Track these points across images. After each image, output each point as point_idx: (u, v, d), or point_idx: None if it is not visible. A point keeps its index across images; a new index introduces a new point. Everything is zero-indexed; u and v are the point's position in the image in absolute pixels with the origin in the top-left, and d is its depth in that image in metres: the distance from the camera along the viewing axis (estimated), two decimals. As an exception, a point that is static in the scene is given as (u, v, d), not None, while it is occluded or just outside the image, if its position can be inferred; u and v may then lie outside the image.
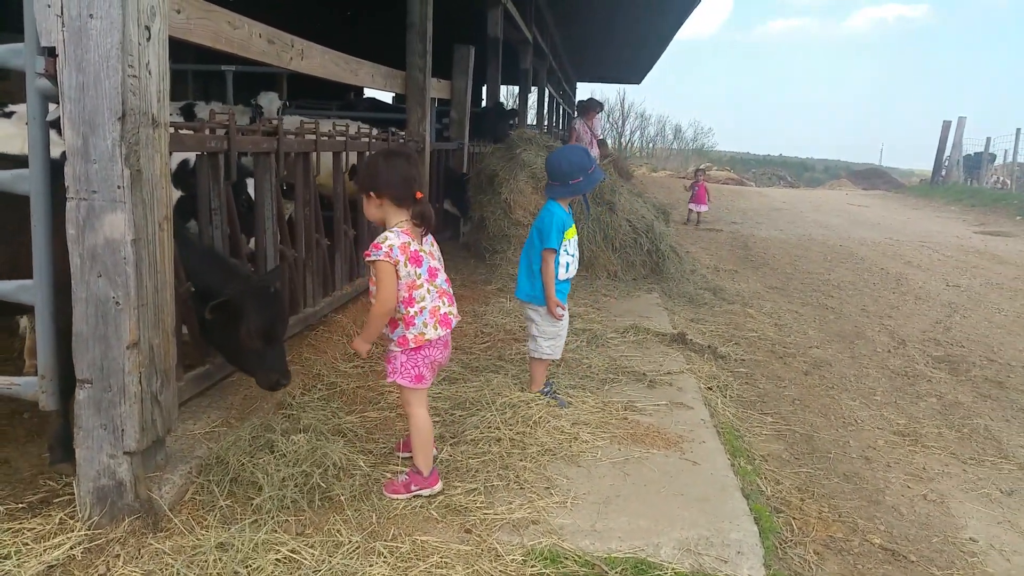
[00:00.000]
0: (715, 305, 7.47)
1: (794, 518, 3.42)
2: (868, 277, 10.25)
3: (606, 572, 2.66)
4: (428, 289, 3.07)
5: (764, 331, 6.74)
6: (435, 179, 7.72)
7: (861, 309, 8.17)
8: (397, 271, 2.97)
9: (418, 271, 3.03)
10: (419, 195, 3.03)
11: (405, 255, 2.98)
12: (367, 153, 5.85)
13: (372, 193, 3.03)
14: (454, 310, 3.22)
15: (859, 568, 3.11)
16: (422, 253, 3.05)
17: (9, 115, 4.95)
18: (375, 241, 2.97)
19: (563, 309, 4.15)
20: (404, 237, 2.99)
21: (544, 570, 2.65)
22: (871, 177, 43.34)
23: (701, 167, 17.61)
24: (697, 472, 3.51)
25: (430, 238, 3.16)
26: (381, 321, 3.04)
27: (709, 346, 5.70)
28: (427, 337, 3.07)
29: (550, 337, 4.18)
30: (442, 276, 3.17)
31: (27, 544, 2.59)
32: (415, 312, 3.05)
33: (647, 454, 3.64)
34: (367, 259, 2.99)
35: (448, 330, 3.17)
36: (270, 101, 8.18)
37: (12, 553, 2.54)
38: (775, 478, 3.80)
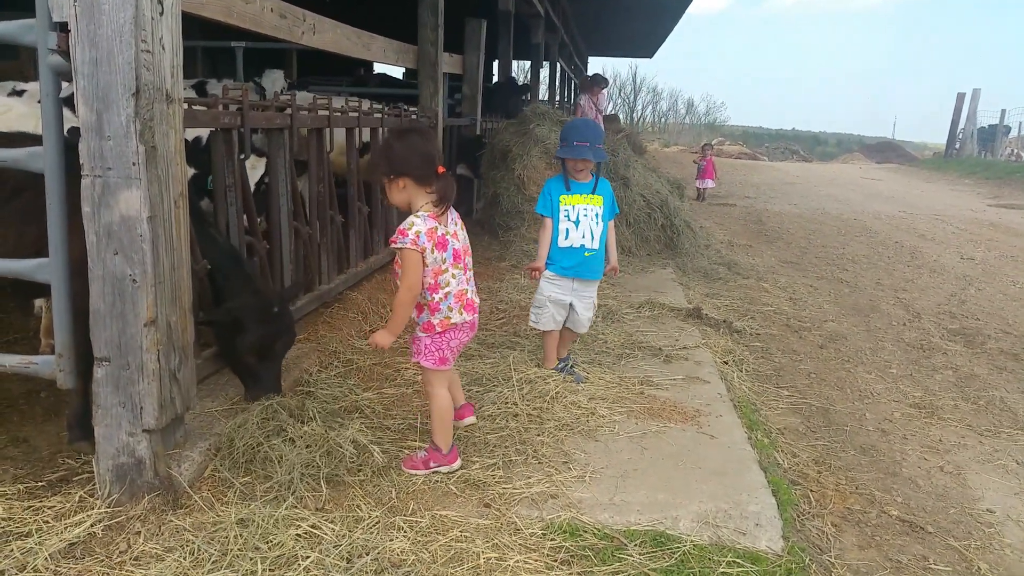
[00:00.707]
0: (730, 280, 7.43)
1: (811, 490, 3.42)
2: (882, 250, 10.17)
3: (625, 545, 2.66)
4: (453, 274, 3.01)
5: (779, 305, 6.71)
6: (448, 155, 7.68)
7: (876, 282, 8.11)
8: (424, 259, 2.90)
9: (443, 256, 2.96)
10: (440, 170, 2.94)
11: (432, 241, 2.89)
12: (380, 129, 5.82)
13: (393, 176, 2.91)
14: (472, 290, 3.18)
15: (877, 539, 3.11)
16: (447, 236, 2.97)
17: (20, 93, 4.95)
18: (401, 227, 2.89)
19: (539, 272, 4.16)
20: (431, 222, 2.90)
21: (563, 543, 2.66)
22: (884, 150, 42.94)
23: (709, 142, 17.39)
24: (714, 445, 3.50)
25: (454, 215, 3.08)
26: (408, 310, 2.98)
27: (724, 320, 5.67)
28: (452, 321, 3.03)
29: (536, 305, 4.20)
30: (468, 257, 3.13)
31: (47, 522, 2.61)
32: (440, 298, 3.00)
33: (664, 428, 3.64)
34: (393, 246, 2.92)
35: (474, 315, 3.13)
36: (273, 81, 7.94)
37: (33, 531, 2.56)
38: (792, 451, 3.80)
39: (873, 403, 4.66)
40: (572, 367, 4.24)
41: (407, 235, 2.85)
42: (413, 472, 3.09)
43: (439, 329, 3.03)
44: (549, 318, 4.15)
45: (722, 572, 2.56)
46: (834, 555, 2.92)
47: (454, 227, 3.04)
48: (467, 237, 3.15)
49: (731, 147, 39.72)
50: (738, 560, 2.62)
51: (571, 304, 4.17)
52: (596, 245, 4.10)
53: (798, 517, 3.11)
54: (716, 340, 5.16)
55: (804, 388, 4.79)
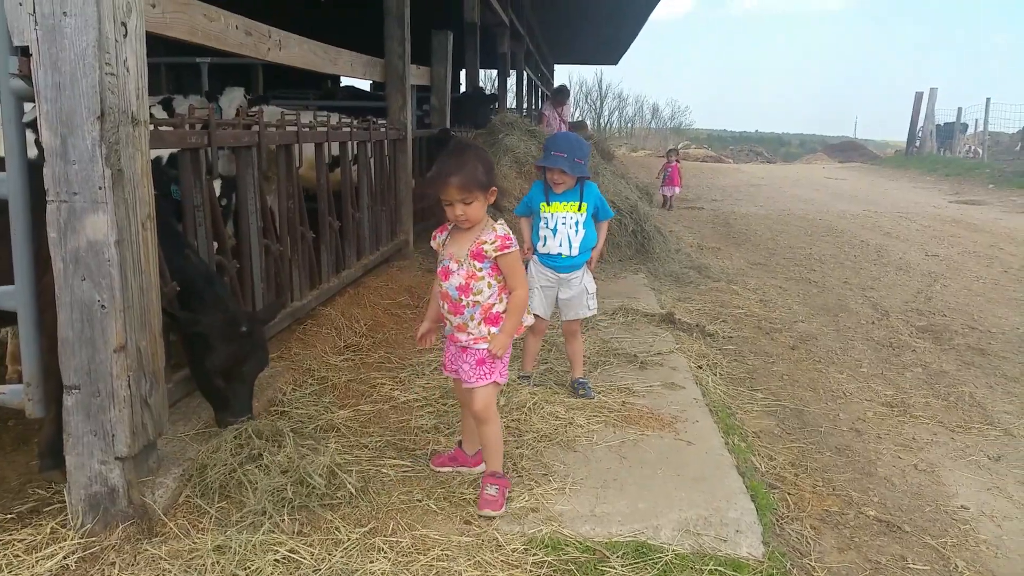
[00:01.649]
0: (701, 283, 7.49)
1: (789, 494, 3.45)
2: (849, 250, 10.32)
3: (607, 557, 2.66)
4: None
5: (750, 307, 6.77)
6: (418, 167, 7.66)
7: (843, 282, 8.23)
8: None
9: None
10: None
11: None
12: (350, 144, 5.79)
13: (493, 188, 2.89)
14: None
15: (855, 540, 3.14)
16: None
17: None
18: (499, 234, 2.88)
19: (529, 253, 4.21)
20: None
21: (546, 558, 2.65)
22: (847, 150, 43.56)
23: (675, 147, 16.97)
24: (692, 452, 3.52)
25: None
26: (523, 313, 2.99)
27: (697, 325, 5.71)
28: (526, 323, 3.09)
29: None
30: None
31: (18, 556, 2.54)
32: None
33: (642, 436, 3.65)
34: (502, 252, 2.87)
35: None
36: (231, 100, 7.59)
37: (3, 566, 2.49)
38: (768, 454, 3.83)
39: (846, 403, 4.72)
40: (588, 385, 4.21)
41: (511, 238, 2.89)
42: (495, 513, 2.90)
43: (519, 335, 3.07)
44: (539, 302, 4.19)
45: (704, 580, 2.57)
46: (814, 558, 2.95)
47: None
48: None
49: (697, 150, 40.09)
50: (720, 568, 2.63)
51: (558, 295, 4.22)
52: (575, 252, 4.13)
53: (777, 521, 3.13)
54: (690, 345, 5.19)
55: (778, 390, 4.84)
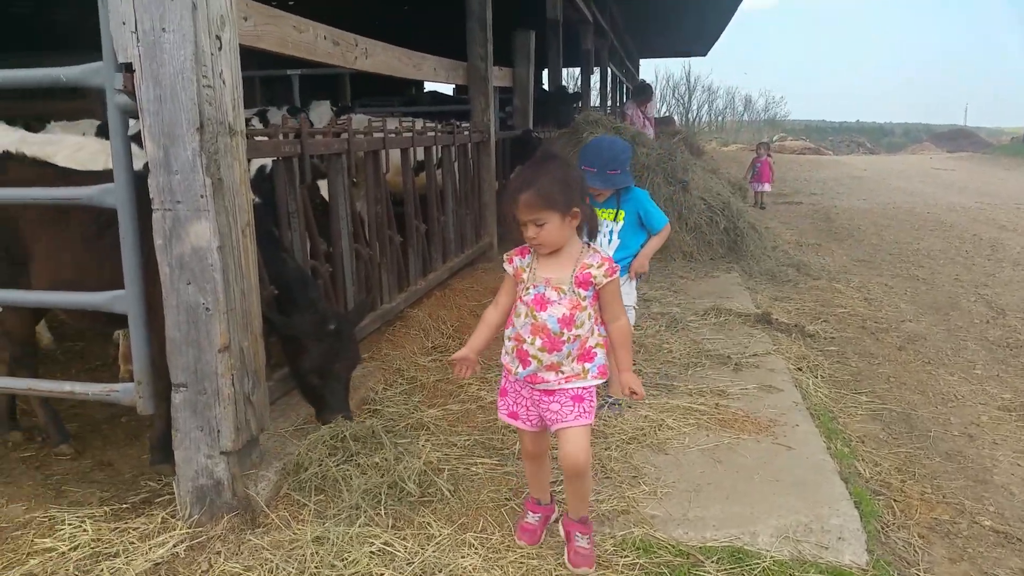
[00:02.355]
0: (800, 282, 7.23)
1: (896, 500, 3.28)
2: (960, 244, 9.79)
3: (702, 562, 2.60)
4: None
5: (853, 306, 6.50)
6: (501, 169, 7.70)
7: (954, 278, 7.81)
8: None
9: None
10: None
11: None
12: (435, 148, 5.87)
13: (576, 209, 2.45)
14: None
15: (969, 552, 2.96)
16: None
17: (100, 131, 5.14)
18: (605, 257, 2.52)
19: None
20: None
21: (637, 560, 2.61)
22: (956, 138, 41.42)
23: (766, 140, 15.77)
24: (792, 456, 3.40)
25: None
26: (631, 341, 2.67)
27: (796, 325, 5.52)
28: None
29: None
30: None
31: (133, 543, 2.69)
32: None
33: (738, 440, 3.55)
34: (611, 279, 2.50)
35: None
36: (320, 115, 7.64)
37: (120, 552, 2.65)
38: (873, 460, 3.65)
39: (958, 406, 4.47)
40: (615, 402, 3.96)
41: (616, 263, 2.55)
42: (590, 571, 2.57)
43: (604, 379, 2.60)
44: None
45: (804, 588, 2.48)
46: (923, 569, 2.80)
47: None
48: None
49: (794, 142, 38.84)
50: (821, 575, 2.53)
51: None
52: (620, 252, 3.90)
53: (882, 529, 2.99)
54: (788, 346, 5.02)
55: (884, 393, 4.62)
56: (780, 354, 4.78)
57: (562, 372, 2.50)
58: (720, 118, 57.30)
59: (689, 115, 51.44)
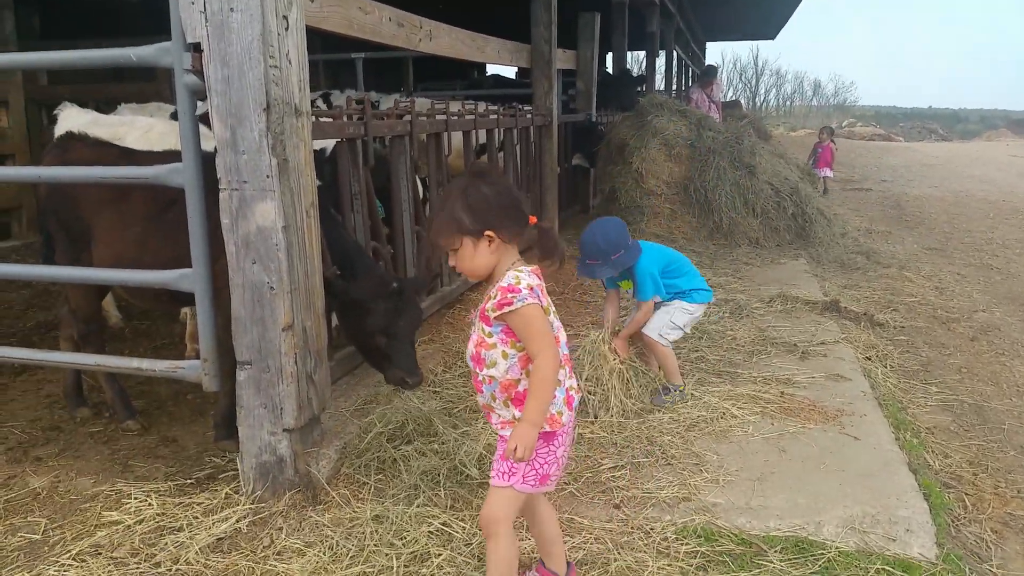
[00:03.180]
0: (869, 269, 7.02)
1: (967, 494, 3.17)
2: (1037, 234, 9.37)
3: (765, 551, 2.54)
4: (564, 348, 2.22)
5: (924, 295, 6.28)
6: (563, 149, 7.64)
7: (1031, 268, 7.48)
8: None
9: (556, 323, 2.19)
10: (533, 220, 2.18)
11: (547, 300, 2.16)
12: (497, 131, 5.86)
13: (489, 232, 2.09)
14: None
15: (1045, 549, 2.83)
16: (550, 307, 2.19)
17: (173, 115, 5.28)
18: (502, 285, 2.09)
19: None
20: (536, 278, 2.14)
21: (698, 548, 2.57)
22: (1036, 125, 39.53)
23: (829, 125, 14.90)
24: (859, 447, 3.30)
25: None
26: (553, 387, 2.12)
27: (865, 313, 5.36)
28: (563, 420, 2.18)
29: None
30: (563, 336, 2.23)
31: (197, 518, 2.77)
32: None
33: (803, 429, 3.46)
34: (502, 311, 2.07)
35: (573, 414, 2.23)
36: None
37: (184, 526, 2.72)
38: (943, 451, 3.53)
39: (1034, 399, 4.28)
40: (666, 392, 3.88)
41: (519, 290, 2.06)
42: None
43: (549, 428, 2.15)
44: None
45: (872, 581, 2.40)
46: (995, 564, 2.70)
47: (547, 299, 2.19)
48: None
49: (863, 128, 37.68)
50: (888, 567, 2.46)
51: None
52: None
53: (953, 522, 2.89)
54: (857, 334, 4.87)
55: (955, 384, 4.45)
56: (848, 343, 4.65)
57: (498, 415, 2.20)
58: (788, 103, 56.02)
59: (756, 99, 50.37)
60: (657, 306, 3.87)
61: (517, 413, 2.13)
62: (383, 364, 3.41)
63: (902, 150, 26.03)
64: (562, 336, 2.19)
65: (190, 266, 2.81)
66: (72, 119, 4.67)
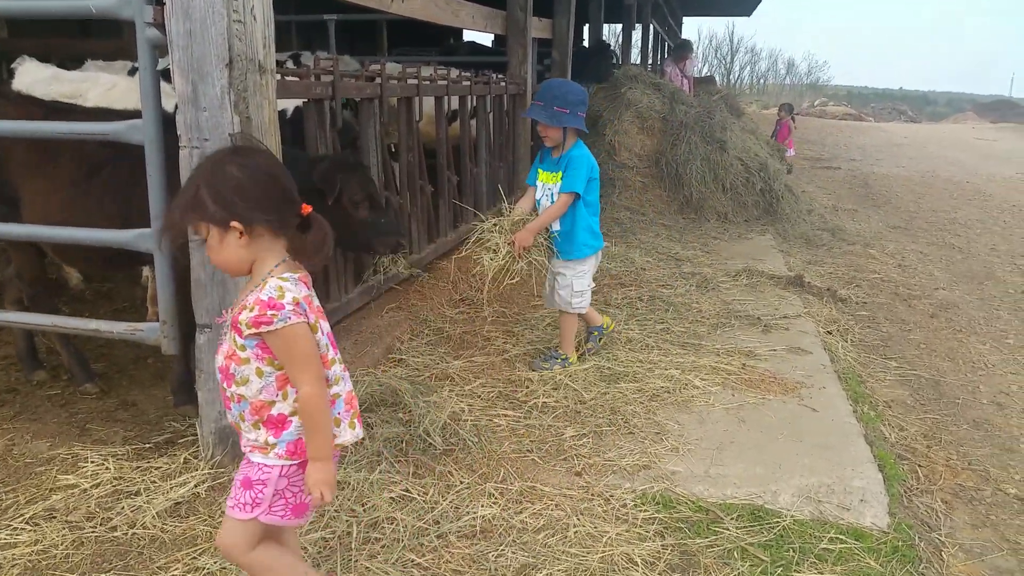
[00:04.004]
0: (834, 246, 7.11)
1: (920, 466, 3.25)
2: (998, 215, 9.54)
3: (722, 518, 2.58)
4: (337, 360, 1.89)
5: (887, 272, 6.38)
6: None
7: (991, 248, 7.61)
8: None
9: (323, 340, 1.85)
10: (306, 209, 1.81)
11: (315, 314, 1.82)
12: (469, 98, 5.79)
13: (235, 223, 1.72)
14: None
15: (991, 518, 2.92)
16: (319, 311, 1.87)
17: (133, 72, 5.13)
18: (261, 298, 1.73)
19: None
20: (303, 288, 1.81)
21: (656, 514, 2.60)
22: (1000, 109, 40.20)
23: (788, 103, 14.26)
24: (817, 418, 3.35)
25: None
26: (328, 413, 1.84)
27: (828, 289, 5.43)
28: (342, 440, 1.88)
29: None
30: (331, 352, 1.89)
31: (155, 482, 2.74)
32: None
33: (763, 400, 3.51)
34: (254, 331, 1.74)
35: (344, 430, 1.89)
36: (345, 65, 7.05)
37: (142, 490, 2.69)
38: (899, 424, 3.61)
39: (988, 375, 4.37)
40: (547, 359, 3.88)
41: (283, 306, 1.72)
42: None
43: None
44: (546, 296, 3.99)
45: (824, 548, 2.46)
46: (944, 533, 2.77)
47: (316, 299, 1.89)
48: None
49: (835, 108, 37.92)
50: (841, 536, 2.52)
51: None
52: (558, 226, 3.71)
53: (905, 493, 2.96)
54: (819, 309, 4.94)
55: (913, 359, 4.54)
56: (811, 317, 4.71)
57: (246, 438, 1.87)
58: (762, 81, 56.17)
59: (731, 76, 50.42)
60: (553, 277, 3.81)
61: (270, 438, 1.82)
62: (371, 239, 3.38)
63: (872, 130, 26.26)
64: (329, 353, 1.85)
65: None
66: (30, 73, 4.53)
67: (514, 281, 3.59)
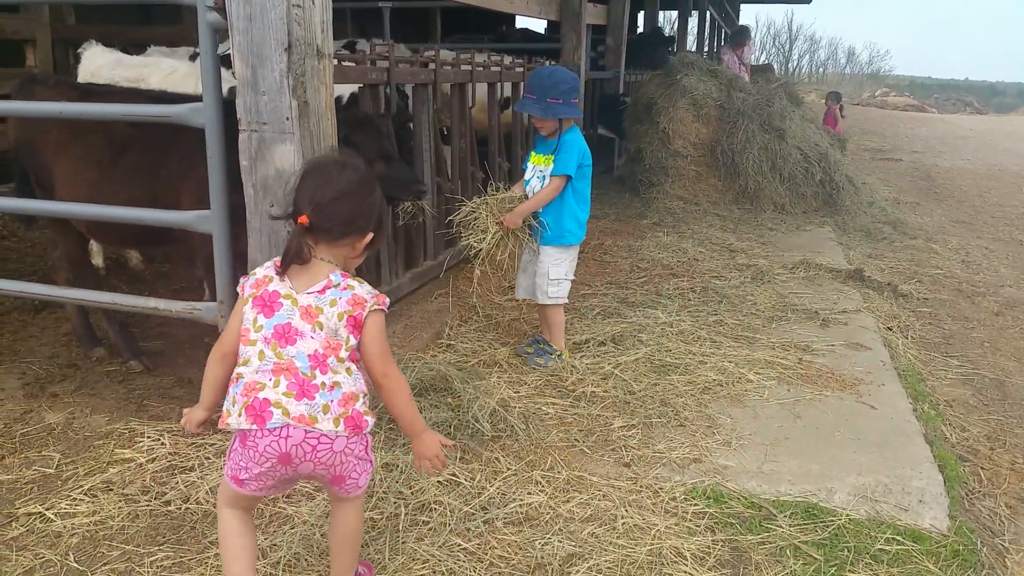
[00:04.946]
0: (895, 240, 6.90)
1: (983, 468, 3.14)
2: (1070, 210, 9.15)
3: (774, 515, 2.53)
4: (259, 353, 1.89)
5: (950, 268, 6.17)
6: (589, 108, 7.51)
7: (1061, 245, 7.31)
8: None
9: (259, 321, 1.91)
10: (302, 219, 1.94)
11: (256, 290, 1.94)
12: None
13: (373, 232, 2.02)
14: (302, 408, 1.85)
15: (1059, 525, 2.80)
16: (283, 301, 1.92)
17: (195, 58, 5.23)
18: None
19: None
20: (269, 270, 1.97)
21: (707, 509, 2.56)
22: (1077, 99, 38.41)
23: (836, 91, 13.51)
24: (875, 416, 3.26)
25: (331, 293, 1.94)
26: (207, 377, 2.04)
27: (889, 283, 5.28)
28: (229, 422, 1.88)
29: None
30: (306, 346, 1.89)
31: (208, 459, 2.80)
32: (233, 376, 1.95)
33: (820, 396, 3.43)
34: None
35: (259, 428, 1.84)
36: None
37: (196, 466, 2.75)
38: (961, 425, 3.49)
39: (1056, 377, 4.20)
40: (530, 347, 3.84)
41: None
42: None
43: (220, 425, 1.93)
44: (519, 284, 3.89)
45: (880, 549, 2.40)
46: (1008, 539, 2.67)
47: (314, 300, 1.93)
48: (337, 326, 1.93)
49: (896, 98, 36.81)
50: (898, 537, 2.45)
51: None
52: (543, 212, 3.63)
53: (967, 496, 2.86)
54: (879, 304, 4.80)
55: (976, 358, 4.38)
56: (870, 312, 4.59)
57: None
58: (821, 70, 54.87)
59: (789, 65, 49.36)
60: (528, 266, 3.75)
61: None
62: (392, 189, 3.30)
63: (935, 121, 25.45)
64: (251, 334, 1.91)
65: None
66: (96, 58, 4.64)
67: (503, 260, 3.55)
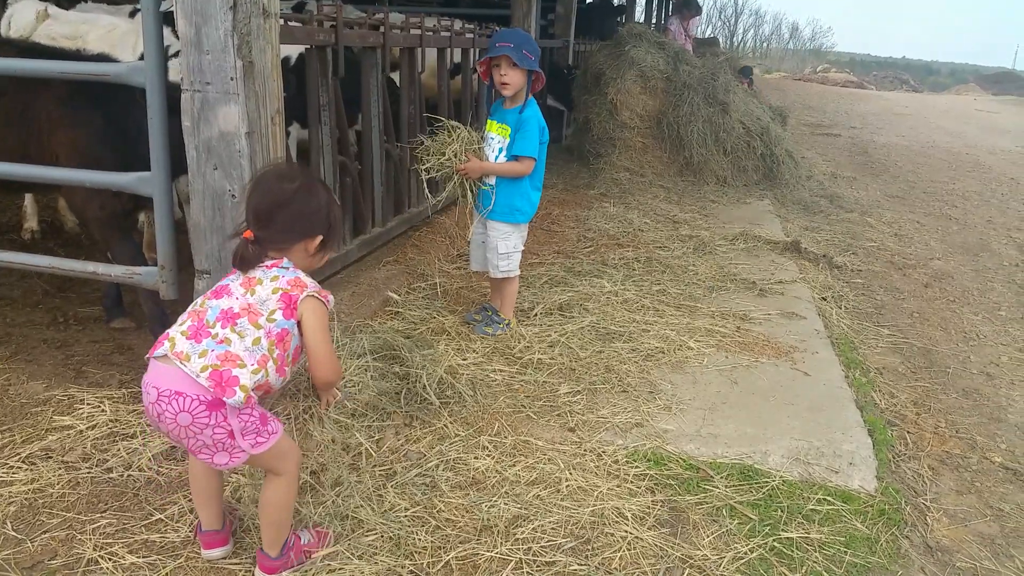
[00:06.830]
0: (832, 213, 7.11)
1: (909, 432, 3.29)
2: (996, 187, 9.52)
3: (711, 476, 2.62)
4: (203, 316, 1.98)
5: (883, 241, 6.39)
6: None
7: (987, 220, 7.62)
8: None
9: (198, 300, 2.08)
10: (247, 234, 2.06)
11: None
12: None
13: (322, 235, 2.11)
14: (185, 346, 1.90)
15: (976, 485, 2.97)
16: (229, 284, 2.06)
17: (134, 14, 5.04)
18: None
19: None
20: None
21: (647, 471, 2.64)
22: (1003, 82, 39.89)
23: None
24: (809, 382, 3.39)
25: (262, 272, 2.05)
26: None
27: (824, 255, 5.45)
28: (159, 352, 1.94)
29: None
30: (226, 303, 1.98)
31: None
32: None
33: (756, 363, 3.54)
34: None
35: (151, 356, 1.95)
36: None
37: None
38: (890, 391, 3.65)
39: (979, 346, 4.41)
40: (478, 315, 3.87)
41: None
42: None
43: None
44: (473, 258, 3.89)
45: (811, 509, 2.51)
46: (930, 498, 2.81)
47: (257, 272, 2.05)
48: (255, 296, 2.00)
49: (837, 74, 37.58)
50: (829, 498, 2.56)
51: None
52: (491, 180, 3.60)
53: (894, 458, 3.00)
54: (815, 275, 4.96)
55: (906, 327, 4.57)
56: (806, 283, 4.74)
57: None
58: (765, 44, 55.58)
59: (734, 39, 49.84)
60: (479, 237, 3.75)
61: None
62: None
63: (873, 98, 26.07)
64: (227, 298, 2.00)
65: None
66: (26, 11, 4.44)
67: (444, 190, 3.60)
